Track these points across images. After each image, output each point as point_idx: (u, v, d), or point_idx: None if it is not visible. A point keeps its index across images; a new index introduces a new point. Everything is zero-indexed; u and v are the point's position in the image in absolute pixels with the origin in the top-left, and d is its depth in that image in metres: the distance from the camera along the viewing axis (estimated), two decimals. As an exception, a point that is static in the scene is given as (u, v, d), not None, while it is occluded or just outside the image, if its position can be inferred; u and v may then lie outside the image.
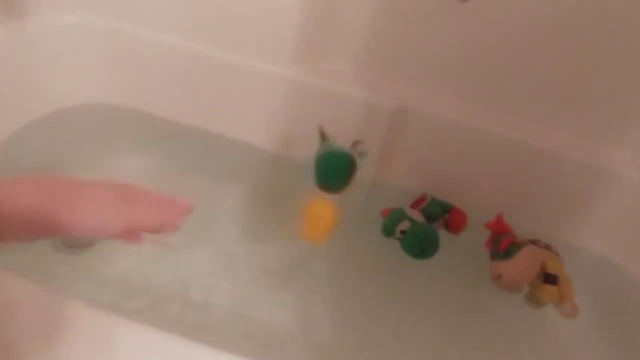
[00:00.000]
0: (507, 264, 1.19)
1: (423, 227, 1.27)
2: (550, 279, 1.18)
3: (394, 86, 1.35)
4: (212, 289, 1.16)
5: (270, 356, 1.07)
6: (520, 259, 1.19)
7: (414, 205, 1.34)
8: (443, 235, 1.30)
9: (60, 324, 0.72)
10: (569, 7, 1.16)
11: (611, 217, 1.33)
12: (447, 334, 1.19)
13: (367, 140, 1.35)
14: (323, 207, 1.08)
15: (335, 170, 1.08)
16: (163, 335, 0.73)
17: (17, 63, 1.29)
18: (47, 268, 1.10)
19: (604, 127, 1.29)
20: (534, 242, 1.24)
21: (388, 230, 1.29)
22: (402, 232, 1.26)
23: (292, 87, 1.34)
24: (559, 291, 1.17)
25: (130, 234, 0.60)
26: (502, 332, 1.22)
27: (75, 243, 1.16)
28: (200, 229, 1.26)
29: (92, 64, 1.41)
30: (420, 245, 1.27)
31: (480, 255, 1.27)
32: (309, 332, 1.13)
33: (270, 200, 1.36)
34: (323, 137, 1.15)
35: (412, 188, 1.41)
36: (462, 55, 1.27)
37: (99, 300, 1.02)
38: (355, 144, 1.13)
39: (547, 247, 1.24)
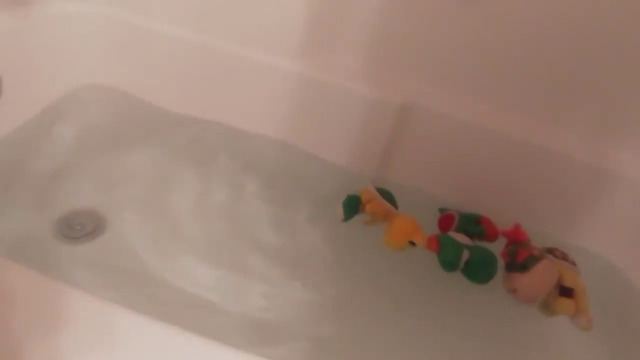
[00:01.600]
0: (523, 277, 1.17)
1: (483, 252, 1.22)
2: (566, 291, 1.16)
3: (400, 83, 1.34)
4: (215, 282, 1.15)
5: (271, 350, 1.06)
6: (536, 273, 1.16)
7: (444, 223, 1.30)
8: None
9: (61, 314, 0.72)
10: (574, 9, 1.16)
11: (614, 218, 1.32)
12: (452, 334, 1.17)
13: (372, 136, 1.36)
14: (405, 220, 1.24)
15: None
16: (163, 326, 0.73)
17: (22, 52, 1.29)
18: (49, 258, 1.11)
19: (609, 128, 1.29)
20: (550, 250, 1.22)
21: (453, 265, 1.21)
22: (465, 262, 1.21)
23: (298, 80, 1.34)
24: (574, 304, 1.16)
25: None
26: (504, 335, 1.19)
27: (82, 232, 1.17)
28: (200, 219, 1.26)
29: (98, 54, 1.41)
30: (488, 271, 1.22)
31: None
32: (313, 326, 1.12)
33: (275, 192, 1.36)
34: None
35: (415, 186, 1.40)
36: (469, 54, 1.27)
37: (101, 291, 1.02)
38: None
39: (564, 257, 1.22)
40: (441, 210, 1.35)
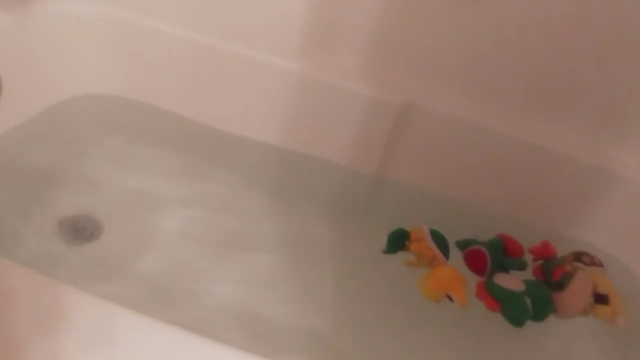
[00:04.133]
0: (562, 296, 1.16)
1: (539, 291, 1.18)
2: (601, 299, 1.16)
3: (400, 83, 1.34)
4: (216, 283, 1.15)
5: (271, 351, 1.06)
6: (574, 289, 1.16)
7: (476, 263, 1.22)
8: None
9: (61, 314, 0.72)
10: (574, 9, 1.16)
11: (615, 217, 1.32)
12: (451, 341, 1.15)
13: (372, 136, 1.36)
14: (450, 271, 1.16)
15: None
16: (163, 326, 0.73)
17: (22, 52, 1.29)
18: (49, 258, 1.11)
19: (609, 128, 1.29)
20: (578, 257, 1.21)
21: (523, 322, 1.15)
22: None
23: (298, 80, 1.34)
24: (610, 310, 1.16)
25: None
26: (496, 338, 1.17)
27: (82, 235, 1.17)
28: (204, 222, 1.26)
29: (97, 54, 1.41)
30: (549, 307, 1.17)
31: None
32: (312, 328, 1.12)
33: (276, 192, 1.36)
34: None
35: (415, 185, 1.40)
36: (468, 54, 1.27)
37: (102, 291, 1.02)
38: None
39: (592, 262, 1.21)
40: (460, 244, 1.27)
